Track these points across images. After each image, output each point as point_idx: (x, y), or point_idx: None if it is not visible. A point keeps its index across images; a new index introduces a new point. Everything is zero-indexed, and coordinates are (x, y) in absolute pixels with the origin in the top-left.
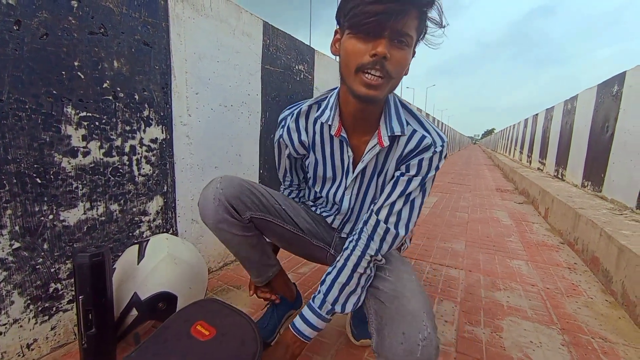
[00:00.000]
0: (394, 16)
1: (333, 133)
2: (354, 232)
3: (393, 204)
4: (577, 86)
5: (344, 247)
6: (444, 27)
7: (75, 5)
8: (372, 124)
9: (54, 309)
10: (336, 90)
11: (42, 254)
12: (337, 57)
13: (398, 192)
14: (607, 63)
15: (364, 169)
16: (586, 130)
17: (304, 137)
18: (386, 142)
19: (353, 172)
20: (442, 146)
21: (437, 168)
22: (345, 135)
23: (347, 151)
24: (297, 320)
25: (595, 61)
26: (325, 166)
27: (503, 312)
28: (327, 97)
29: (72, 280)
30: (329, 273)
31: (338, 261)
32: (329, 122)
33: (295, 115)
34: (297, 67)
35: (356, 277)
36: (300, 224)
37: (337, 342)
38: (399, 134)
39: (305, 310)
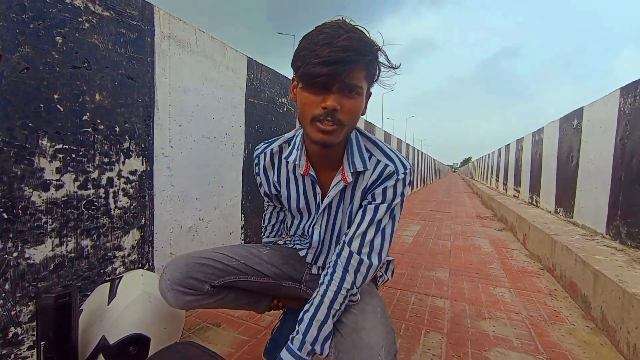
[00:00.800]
0: (339, 75)
1: (301, 172)
2: (327, 266)
3: (364, 233)
4: (543, 118)
5: (320, 282)
6: (395, 68)
7: (60, 40)
8: (336, 161)
9: (12, 356)
10: (301, 131)
11: (3, 295)
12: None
13: (367, 220)
14: (567, 98)
15: (330, 203)
16: (554, 159)
17: (276, 177)
18: (349, 178)
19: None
20: (405, 173)
21: (402, 195)
22: (313, 173)
23: (316, 188)
24: None
25: (557, 97)
26: (299, 200)
27: (490, 343)
28: (294, 136)
29: (34, 324)
30: (307, 311)
31: (315, 297)
32: (296, 162)
33: (269, 155)
34: (280, 100)
35: (332, 313)
36: (264, 271)
37: None
38: (361, 169)
39: (284, 354)
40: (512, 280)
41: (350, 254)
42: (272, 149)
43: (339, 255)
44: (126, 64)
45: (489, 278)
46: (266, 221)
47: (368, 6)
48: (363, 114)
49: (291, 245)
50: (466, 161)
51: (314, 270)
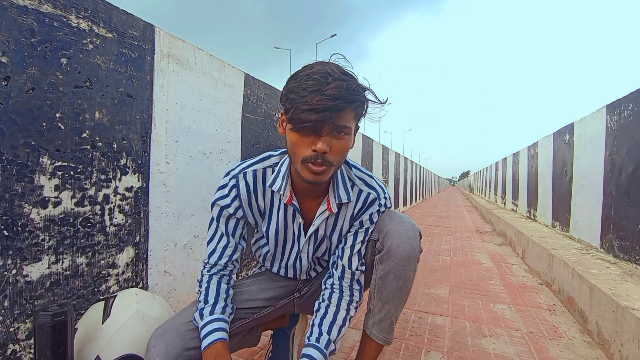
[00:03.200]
0: (328, 120)
1: (285, 201)
2: (333, 284)
3: (359, 252)
4: (541, 132)
5: (327, 295)
6: (383, 103)
7: (65, 62)
8: (322, 190)
9: None
10: (288, 160)
11: (2, 312)
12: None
13: (360, 240)
14: (567, 111)
15: (316, 231)
16: (549, 173)
17: (260, 201)
18: (335, 209)
19: (305, 235)
20: (385, 197)
21: None
22: (296, 203)
23: (298, 217)
24: None
25: (557, 109)
26: (278, 227)
27: None
28: (279, 163)
29: (32, 341)
30: (324, 316)
31: (329, 306)
32: (281, 192)
33: (251, 176)
34: (277, 115)
35: (348, 318)
36: (258, 304)
37: None
38: (346, 201)
39: (314, 353)
40: (512, 296)
41: (353, 274)
42: (254, 170)
43: (342, 277)
44: (126, 82)
45: (489, 294)
46: (217, 247)
47: (365, 23)
48: (351, 148)
49: (272, 269)
50: (464, 175)
51: (304, 277)
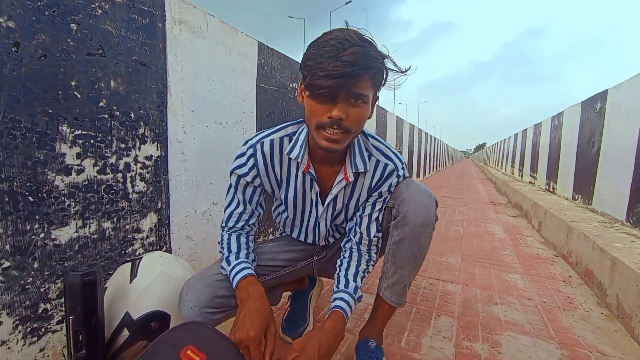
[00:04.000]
0: (344, 86)
1: (302, 169)
2: (351, 247)
3: (377, 219)
4: (566, 103)
5: (347, 254)
6: (404, 72)
7: (75, 27)
8: (339, 159)
9: (43, 329)
10: (306, 129)
11: (32, 273)
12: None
13: (378, 209)
14: (595, 80)
15: (334, 199)
16: (573, 145)
17: (277, 170)
18: (351, 178)
19: (323, 204)
20: (403, 168)
21: None
22: (313, 171)
23: (315, 186)
24: (345, 307)
25: (584, 78)
26: (297, 195)
27: (501, 327)
28: (297, 132)
29: (62, 300)
30: (348, 269)
31: (350, 261)
32: (299, 160)
33: (268, 146)
34: (291, 85)
35: (366, 273)
36: (279, 263)
37: None
38: (363, 170)
39: (346, 297)
40: (526, 267)
41: (370, 241)
42: (272, 140)
43: (359, 243)
44: (139, 50)
45: (502, 264)
46: (234, 211)
47: None
48: (369, 118)
49: (295, 237)
50: (480, 147)
51: (322, 242)
